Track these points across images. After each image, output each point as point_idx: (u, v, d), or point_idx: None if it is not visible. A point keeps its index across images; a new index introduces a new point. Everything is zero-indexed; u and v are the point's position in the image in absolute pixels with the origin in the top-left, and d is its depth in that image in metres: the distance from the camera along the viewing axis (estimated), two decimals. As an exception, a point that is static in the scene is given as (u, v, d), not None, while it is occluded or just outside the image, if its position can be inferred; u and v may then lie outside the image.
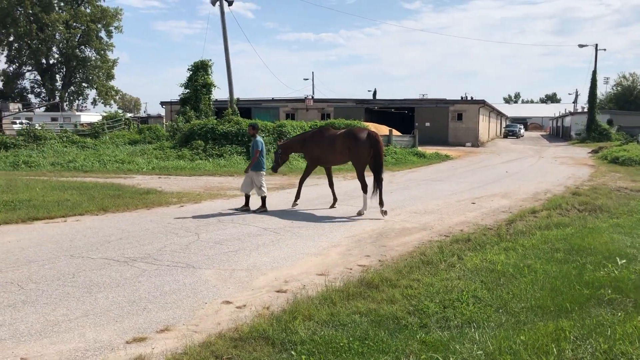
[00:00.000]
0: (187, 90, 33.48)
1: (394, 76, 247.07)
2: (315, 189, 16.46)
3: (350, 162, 12.62)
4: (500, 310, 5.56)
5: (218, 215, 11.60)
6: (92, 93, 80.00)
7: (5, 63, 73.98)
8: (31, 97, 76.53)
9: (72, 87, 78.69)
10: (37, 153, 26.24)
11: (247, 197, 12.35)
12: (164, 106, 53.54)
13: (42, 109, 67.39)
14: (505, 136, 69.18)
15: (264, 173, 12.44)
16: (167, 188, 16.31)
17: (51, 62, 75.65)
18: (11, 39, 71.60)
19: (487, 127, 55.75)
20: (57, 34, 71.51)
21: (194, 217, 11.46)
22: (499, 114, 72.27)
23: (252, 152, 12.42)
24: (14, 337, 4.96)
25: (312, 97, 53.23)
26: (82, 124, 47.00)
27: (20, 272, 7.06)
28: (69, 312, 5.63)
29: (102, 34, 75.41)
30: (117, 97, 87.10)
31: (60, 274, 6.99)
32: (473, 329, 5.03)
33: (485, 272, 6.91)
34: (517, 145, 49.68)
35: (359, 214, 11.91)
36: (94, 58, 76.17)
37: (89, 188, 15.17)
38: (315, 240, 9.24)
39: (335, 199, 13.03)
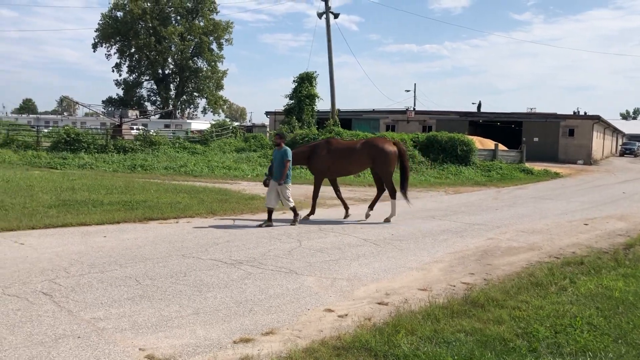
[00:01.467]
0: (292, 101, 34.37)
1: (500, 89, 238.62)
2: (416, 202, 16.24)
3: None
4: (620, 341, 5.17)
5: (319, 224, 11.77)
6: (202, 102, 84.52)
7: (127, 73, 79.97)
8: (147, 104, 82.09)
9: (184, 96, 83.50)
10: (152, 157, 28.01)
11: (271, 212, 11.53)
12: (268, 116, 55.30)
13: (157, 116, 71.96)
14: (622, 154, 64.60)
15: (290, 184, 11.73)
16: (270, 195, 16.78)
17: (166, 72, 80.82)
18: (132, 50, 77.38)
19: (601, 144, 52.37)
20: (173, 46, 76.28)
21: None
22: (615, 131, 67.67)
23: (278, 162, 11.57)
24: (133, 329, 5.30)
25: (414, 109, 52.75)
26: (192, 131, 49.60)
27: (137, 268, 7.56)
28: (181, 309, 5.93)
29: (214, 46, 79.47)
30: (225, 107, 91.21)
31: (173, 272, 7.40)
32: (589, 358, 4.72)
33: (601, 299, 6.46)
34: (636, 165, 46.20)
35: (387, 220, 12.27)
36: (205, 69, 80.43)
37: (199, 192, 15.96)
38: (417, 255, 9.10)
39: (347, 208, 12.86)
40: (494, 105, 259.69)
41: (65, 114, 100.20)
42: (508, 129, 52.62)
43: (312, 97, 34.38)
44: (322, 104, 36.04)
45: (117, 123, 36.64)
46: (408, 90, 74.00)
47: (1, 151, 28.15)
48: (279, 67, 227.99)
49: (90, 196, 13.98)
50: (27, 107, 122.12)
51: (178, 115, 78.30)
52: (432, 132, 32.01)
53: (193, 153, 31.36)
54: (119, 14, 75.13)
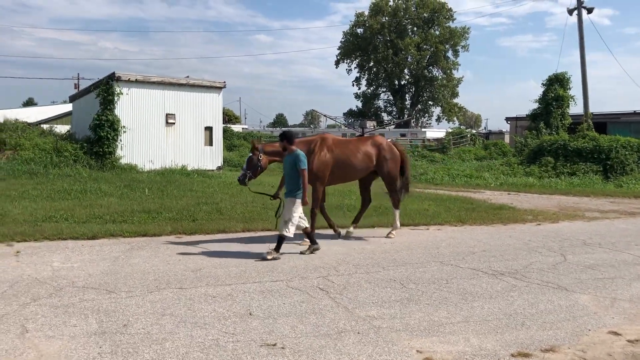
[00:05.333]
0: (538, 105, 32.30)
1: None
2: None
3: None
4: None
5: (582, 238, 10.78)
6: (436, 110, 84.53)
7: (365, 86, 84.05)
8: (384, 115, 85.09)
9: (419, 106, 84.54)
10: (393, 165, 28.88)
11: (309, 234, 9.10)
12: (509, 122, 52.78)
13: (393, 125, 74.15)
14: None
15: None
16: (519, 205, 15.98)
17: (402, 83, 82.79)
18: (371, 64, 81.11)
19: None
20: (409, 56, 77.82)
21: (554, 237, 10.91)
22: None
23: (289, 171, 8.71)
24: (407, 330, 5.44)
25: (687, 109, 45.26)
26: (428, 140, 50.01)
27: (399, 272, 7.78)
28: (449, 315, 5.91)
29: (449, 53, 78.96)
30: (460, 114, 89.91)
31: (435, 279, 7.44)
32: None
33: None
34: None
35: (389, 236, 10.58)
36: (440, 77, 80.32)
37: (444, 200, 15.94)
38: None
39: (334, 226, 10.60)
40: None
41: (311, 126, 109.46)
42: None
43: (561, 100, 31.79)
44: (572, 108, 33.01)
45: (357, 134, 38.77)
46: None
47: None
48: (517, 70, 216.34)
49: (343, 201, 14.93)
50: (280, 121, 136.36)
51: (413, 125, 79.51)
52: None
53: (432, 161, 31.58)
54: (360, 30, 79.41)
